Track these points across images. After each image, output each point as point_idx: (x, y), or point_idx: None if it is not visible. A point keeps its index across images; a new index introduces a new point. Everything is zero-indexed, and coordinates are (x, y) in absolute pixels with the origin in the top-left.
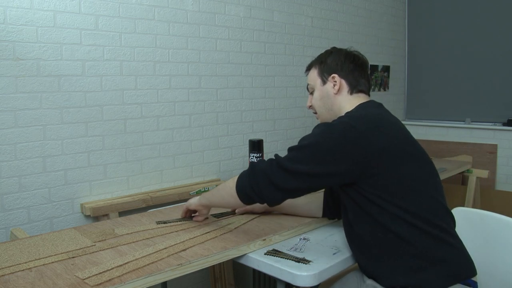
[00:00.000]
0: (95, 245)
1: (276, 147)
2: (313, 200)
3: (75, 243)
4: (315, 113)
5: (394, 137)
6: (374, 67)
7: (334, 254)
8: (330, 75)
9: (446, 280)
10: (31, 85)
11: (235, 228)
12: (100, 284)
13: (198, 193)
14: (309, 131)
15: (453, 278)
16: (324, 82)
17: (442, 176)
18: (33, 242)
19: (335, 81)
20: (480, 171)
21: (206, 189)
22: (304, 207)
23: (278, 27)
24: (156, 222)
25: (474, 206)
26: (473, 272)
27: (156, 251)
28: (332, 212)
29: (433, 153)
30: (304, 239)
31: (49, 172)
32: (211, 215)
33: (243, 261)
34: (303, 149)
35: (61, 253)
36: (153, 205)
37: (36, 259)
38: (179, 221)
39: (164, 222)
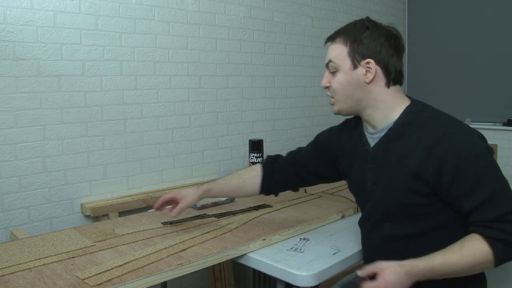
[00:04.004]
0: (95, 245)
1: (276, 147)
2: (248, 181)
3: (75, 243)
4: (332, 98)
5: None
6: None
7: (334, 254)
8: (365, 59)
9: None
10: (31, 85)
11: (235, 228)
12: (100, 284)
13: None
14: (309, 131)
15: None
16: (355, 66)
17: None
18: (33, 242)
19: (369, 68)
20: None
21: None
22: (242, 191)
23: (278, 27)
24: (162, 223)
25: None
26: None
27: (156, 251)
28: (270, 188)
29: None
30: (304, 239)
31: (49, 172)
32: (212, 215)
33: (243, 261)
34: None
35: (61, 253)
36: (153, 205)
37: (36, 259)
38: (185, 221)
39: (170, 223)
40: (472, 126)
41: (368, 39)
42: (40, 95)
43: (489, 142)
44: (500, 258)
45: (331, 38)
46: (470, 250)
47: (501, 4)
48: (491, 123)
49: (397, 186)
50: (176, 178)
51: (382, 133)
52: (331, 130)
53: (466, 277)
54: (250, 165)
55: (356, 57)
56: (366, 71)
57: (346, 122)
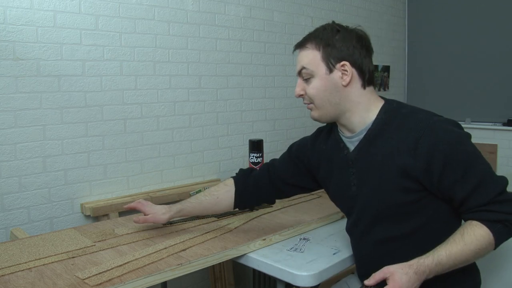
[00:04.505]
0: (95, 245)
1: (276, 147)
2: (221, 198)
3: (75, 243)
4: (310, 103)
5: None
6: (374, 67)
7: (334, 254)
8: (340, 62)
9: None
10: (31, 85)
11: (235, 228)
12: (100, 284)
13: (198, 193)
14: (309, 131)
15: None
16: (330, 70)
17: None
18: (33, 242)
19: (345, 71)
20: None
21: (206, 189)
22: (215, 208)
23: (278, 27)
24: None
25: None
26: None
27: (156, 251)
28: (244, 202)
29: None
30: (304, 239)
31: (49, 172)
32: (212, 215)
33: (243, 261)
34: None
35: (61, 253)
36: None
37: (36, 259)
38: (185, 221)
39: (170, 223)
40: (472, 126)
41: (340, 42)
42: (40, 95)
43: (489, 142)
44: (498, 238)
45: (301, 45)
46: (471, 237)
47: (501, 4)
48: (491, 123)
49: (385, 186)
50: (176, 178)
51: (361, 136)
52: (304, 140)
53: (459, 271)
54: (250, 165)
55: (331, 61)
56: (342, 73)
57: (319, 130)
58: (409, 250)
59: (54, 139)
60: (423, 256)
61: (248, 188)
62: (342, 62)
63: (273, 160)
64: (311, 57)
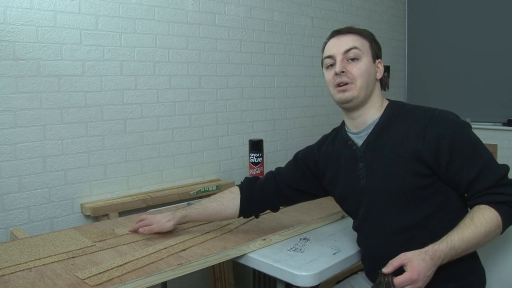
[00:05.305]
0: (95, 245)
1: (276, 147)
2: (226, 205)
3: (75, 243)
4: (348, 83)
5: None
6: None
7: (334, 254)
8: (378, 59)
9: None
10: (31, 85)
11: (235, 228)
12: (100, 284)
13: (198, 193)
14: (309, 131)
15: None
16: (373, 60)
17: None
18: (33, 242)
19: (379, 68)
20: None
21: (206, 189)
22: (220, 215)
23: (278, 27)
24: None
25: None
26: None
27: (156, 251)
28: (249, 209)
29: None
30: (304, 239)
31: (49, 172)
32: None
33: (243, 261)
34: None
35: (61, 253)
36: (153, 205)
37: (36, 259)
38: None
39: None
40: (472, 126)
41: (379, 44)
42: (40, 95)
43: (489, 142)
44: (506, 220)
45: (351, 30)
46: (481, 220)
47: (501, 4)
48: (491, 123)
49: (396, 172)
50: (176, 178)
51: (369, 130)
52: (310, 147)
53: (464, 269)
54: (250, 166)
55: (376, 54)
56: (377, 68)
57: (324, 137)
58: (420, 241)
59: (54, 139)
60: (437, 242)
61: (253, 195)
62: (379, 60)
63: (278, 168)
64: (363, 42)
